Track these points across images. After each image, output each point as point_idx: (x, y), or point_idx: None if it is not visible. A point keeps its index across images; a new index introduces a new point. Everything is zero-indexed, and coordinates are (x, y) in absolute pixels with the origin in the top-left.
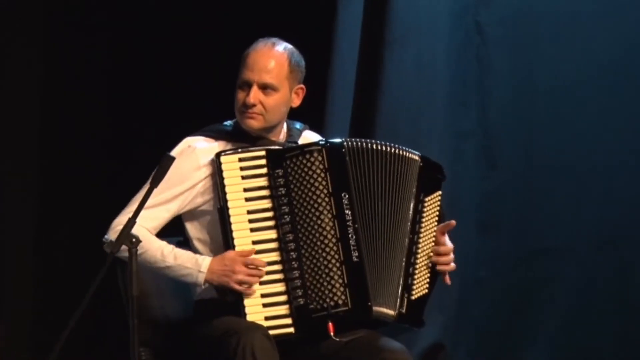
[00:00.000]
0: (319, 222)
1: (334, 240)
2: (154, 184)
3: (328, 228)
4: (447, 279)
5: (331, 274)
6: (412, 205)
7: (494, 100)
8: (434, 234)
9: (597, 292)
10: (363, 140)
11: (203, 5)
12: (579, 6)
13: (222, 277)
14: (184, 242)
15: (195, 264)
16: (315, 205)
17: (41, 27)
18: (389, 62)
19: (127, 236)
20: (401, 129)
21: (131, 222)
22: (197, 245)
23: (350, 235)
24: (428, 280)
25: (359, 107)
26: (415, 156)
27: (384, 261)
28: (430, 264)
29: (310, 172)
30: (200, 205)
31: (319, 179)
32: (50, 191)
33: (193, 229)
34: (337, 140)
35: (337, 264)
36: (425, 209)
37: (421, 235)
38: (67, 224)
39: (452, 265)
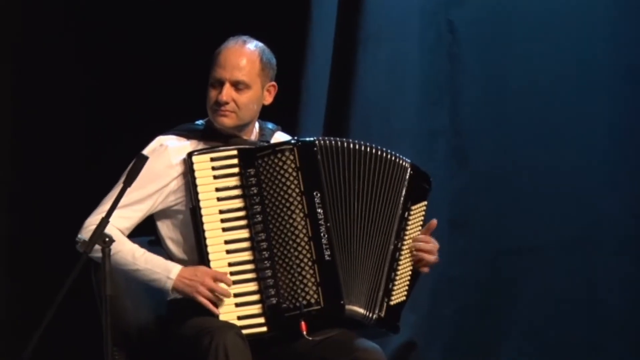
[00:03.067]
0: (290, 221)
1: (305, 239)
2: (127, 184)
3: (300, 227)
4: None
5: (303, 272)
6: (399, 212)
7: (466, 99)
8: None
9: (567, 290)
10: (337, 139)
11: (175, 3)
12: (551, 5)
13: (188, 287)
14: (156, 242)
15: (164, 269)
16: (287, 204)
17: (14, 27)
18: (362, 60)
19: (100, 235)
20: (374, 128)
21: (104, 221)
22: (170, 245)
23: (322, 234)
24: (407, 287)
25: (332, 105)
26: (405, 163)
27: (358, 260)
28: (410, 272)
29: (282, 171)
30: (172, 204)
31: (291, 178)
32: (24, 192)
33: (165, 229)
34: (309, 139)
35: (310, 263)
36: (410, 218)
37: (405, 242)
38: (40, 224)
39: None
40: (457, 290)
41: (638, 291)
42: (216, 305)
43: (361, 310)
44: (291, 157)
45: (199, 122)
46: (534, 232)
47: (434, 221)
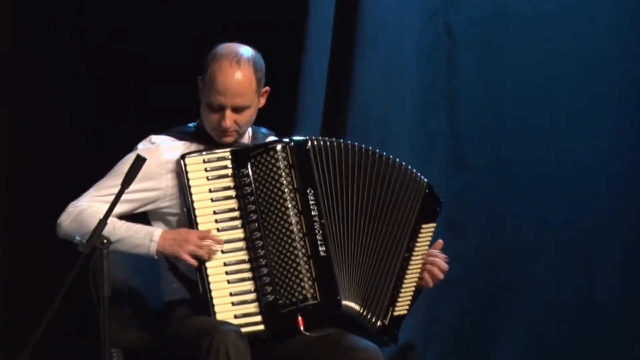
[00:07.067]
0: (285, 217)
1: (300, 235)
2: (125, 185)
3: (294, 223)
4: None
5: (299, 268)
6: (411, 225)
7: (463, 101)
8: (423, 261)
9: (564, 292)
10: (333, 139)
11: (173, 3)
12: (547, 6)
13: (174, 246)
14: None
15: (147, 233)
16: (281, 201)
17: (9, 23)
18: (360, 62)
19: (98, 237)
20: (371, 130)
21: (102, 223)
22: None
23: (316, 231)
24: (410, 301)
25: (330, 107)
26: (422, 181)
27: (357, 259)
28: (414, 287)
29: (274, 169)
30: (166, 206)
31: (284, 175)
32: (23, 192)
33: None
34: (301, 137)
35: (305, 258)
36: (421, 235)
37: (413, 257)
38: (39, 225)
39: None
40: (455, 292)
41: (637, 292)
42: (201, 263)
43: (357, 308)
44: (283, 155)
45: (191, 125)
46: (533, 234)
47: (440, 241)
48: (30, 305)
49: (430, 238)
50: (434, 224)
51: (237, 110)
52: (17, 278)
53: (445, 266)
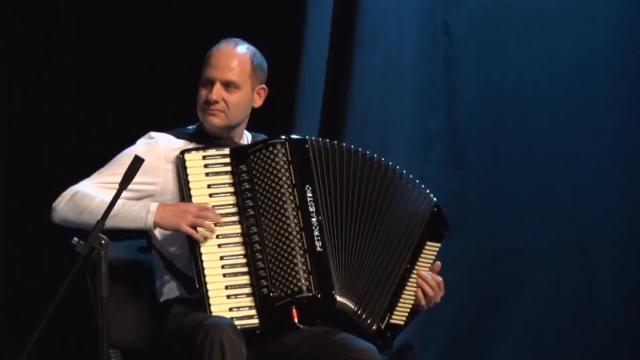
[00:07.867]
0: (282, 211)
1: (297, 229)
2: (124, 186)
3: (291, 218)
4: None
5: (295, 261)
6: (417, 237)
7: (462, 101)
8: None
9: (564, 292)
10: (333, 141)
11: (173, 3)
12: (547, 6)
13: (174, 219)
14: (145, 249)
15: (143, 206)
16: (279, 196)
17: (9, 23)
18: (359, 63)
19: (96, 238)
20: (370, 130)
21: (100, 224)
22: (162, 240)
23: (314, 226)
24: (407, 314)
25: (328, 108)
26: (430, 199)
27: (354, 258)
28: (413, 302)
29: (273, 164)
30: (163, 200)
31: (282, 171)
32: (20, 190)
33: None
34: (300, 136)
35: (301, 252)
36: (424, 251)
37: (416, 270)
38: (37, 226)
39: (438, 298)
40: (454, 292)
41: (637, 292)
42: (202, 235)
43: (352, 306)
44: (282, 151)
45: (191, 127)
46: (532, 234)
47: (438, 263)
48: (30, 305)
49: (433, 258)
50: (439, 245)
51: (227, 86)
52: (17, 278)
53: (433, 283)
